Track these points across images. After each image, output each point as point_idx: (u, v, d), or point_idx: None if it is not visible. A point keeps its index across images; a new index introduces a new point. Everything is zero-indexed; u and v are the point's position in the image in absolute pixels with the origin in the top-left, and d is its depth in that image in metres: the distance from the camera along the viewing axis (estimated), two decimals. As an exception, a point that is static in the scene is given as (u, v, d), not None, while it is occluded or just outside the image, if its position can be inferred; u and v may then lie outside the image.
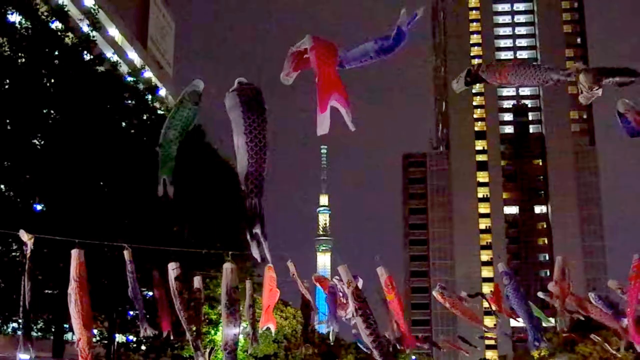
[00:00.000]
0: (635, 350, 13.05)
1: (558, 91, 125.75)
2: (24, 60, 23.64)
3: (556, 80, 6.32)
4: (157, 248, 15.46)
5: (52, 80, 24.80)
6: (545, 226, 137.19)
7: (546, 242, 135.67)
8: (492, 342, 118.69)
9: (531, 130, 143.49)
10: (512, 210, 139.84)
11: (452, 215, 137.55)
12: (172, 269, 11.95)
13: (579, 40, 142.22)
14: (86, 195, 24.16)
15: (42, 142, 24.57)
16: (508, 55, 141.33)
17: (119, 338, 32.51)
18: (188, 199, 25.90)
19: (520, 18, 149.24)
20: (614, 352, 30.29)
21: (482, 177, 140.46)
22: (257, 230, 5.74)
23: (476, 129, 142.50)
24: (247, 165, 5.83)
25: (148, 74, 48.25)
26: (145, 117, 30.49)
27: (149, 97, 33.49)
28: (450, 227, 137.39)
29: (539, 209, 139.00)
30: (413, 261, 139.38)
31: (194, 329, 11.86)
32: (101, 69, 27.85)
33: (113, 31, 62.29)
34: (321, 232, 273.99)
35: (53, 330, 26.46)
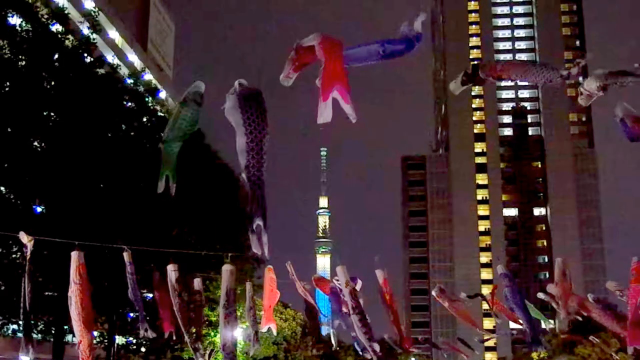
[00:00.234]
0: (636, 352, 12.99)
1: (557, 93, 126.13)
2: (24, 62, 23.67)
3: (560, 77, 6.37)
4: (156, 250, 15.46)
5: (52, 83, 24.81)
6: (544, 228, 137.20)
7: (545, 244, 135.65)
8: (491, 343, 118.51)
9: (530, 133, 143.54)
10: (511, 212, 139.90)
11: (452, 217, 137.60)
12: (172, 271, 11.98)
13: (577, 43, 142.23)
14: (86, 197, 24.16)
15: (43, 144, 24.58)
16: (507, 57, 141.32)
17: (119, 340, 32.47)
18: (188, 201, 25.91)
19: (520, 21, 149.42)
20: (613, 353, 30.33)
21: (482, 179, 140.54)
22: (259, 222, 5.79)
23: (475, 131, 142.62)
24: (249, 165, 5.91)
25: (148, 76, 48.39)
26: (145, 120, 30.49)
27: (149, 99, 33.55)
28: (450, 229, 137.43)
29: (538, 211, 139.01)
30: (413, 263, 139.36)
31: (193, 331, 11.89)
32: (101, 71, 27.85)
33: (113, 34, 62.27)
34: (321, 234, 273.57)
35: (53, 332, 26.41)
